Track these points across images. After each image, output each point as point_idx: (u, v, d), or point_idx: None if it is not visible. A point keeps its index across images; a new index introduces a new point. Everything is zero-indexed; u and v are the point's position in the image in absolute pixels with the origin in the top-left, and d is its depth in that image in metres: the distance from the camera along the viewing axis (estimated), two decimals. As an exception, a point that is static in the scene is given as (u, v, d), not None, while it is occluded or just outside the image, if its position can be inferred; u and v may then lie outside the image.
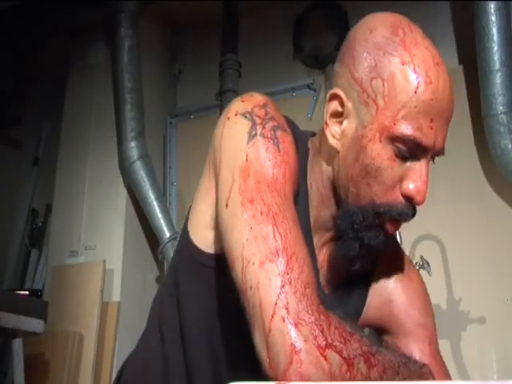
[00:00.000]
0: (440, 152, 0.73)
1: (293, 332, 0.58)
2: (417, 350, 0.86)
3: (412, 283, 0.91)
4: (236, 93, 3.09)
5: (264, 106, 0.76)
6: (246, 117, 0.74)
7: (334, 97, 0.76)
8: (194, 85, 3.42)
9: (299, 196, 0.78)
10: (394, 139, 0.70)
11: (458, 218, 2.46)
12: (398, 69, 0.70)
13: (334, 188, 0.80)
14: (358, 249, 0.75)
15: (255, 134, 0.72)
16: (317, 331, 0.58)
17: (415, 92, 0.69)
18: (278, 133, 0.73)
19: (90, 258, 2.85)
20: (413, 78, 0.69)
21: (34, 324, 2.15)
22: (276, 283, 0.60)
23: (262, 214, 0.65)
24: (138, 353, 0.92)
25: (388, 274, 0.90)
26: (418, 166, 0.71)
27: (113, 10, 2.99)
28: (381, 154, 0.71)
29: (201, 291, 0.81)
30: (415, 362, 0.69)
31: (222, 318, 0.80)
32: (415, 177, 0.71)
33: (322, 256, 0.85)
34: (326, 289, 0.85)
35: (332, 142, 0.76)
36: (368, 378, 0.59)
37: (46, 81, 3.62)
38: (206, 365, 0.81)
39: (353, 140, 0.73)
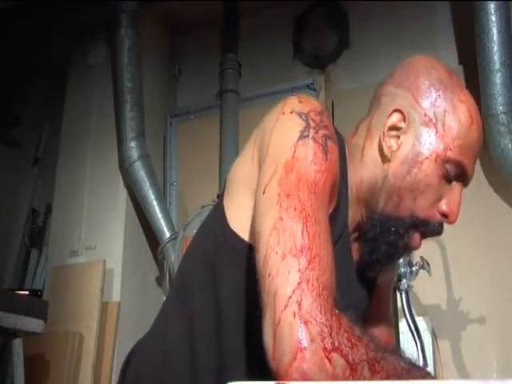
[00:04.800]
0: (468, 183, 0.85)
1: (301, 329, 0.58)
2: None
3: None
4: (236, 93, 3.09)
5: (320, 113, 0.78)
6: (301, 117, 0.76)
7: (397, 111, 0.82)
8: (194, 85, 3.42)
9: (341, 198, 0.81)
10: (448, 161, 0.79)
11: (458, 218, 2.46)
12: (457, 105, 0.81)
13: (371, 193, 0.83)
14: (384, 256, 0.82)
15: (307, 136, 0.74)
16: (326, 332, 0.58)
17: (469, 128, 0.80)
18: (329, 142, 0.75)
19: (90, 258, 2.85)
20: (468, 117, 0.81)
21: (34, 324, 2.15)
22: (294, 278, 0.61)
23: (295, 210, 0.67)
24: (154, 343, 0.88)
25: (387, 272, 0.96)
26: (455, 191, 0.82)
27: (113, 10, 2.99)
28: (434, 172, 0.79)
29: (244, 281, 0.79)
30: (419, 368, 0.70)
31: None
32: (452, 198, 0.82)
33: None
34: None
35: (387, 152, 0.82)
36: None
37: (46, 81, 3.62)
38: (241, 358, 0.79)
39: (408, 155, 0.80)
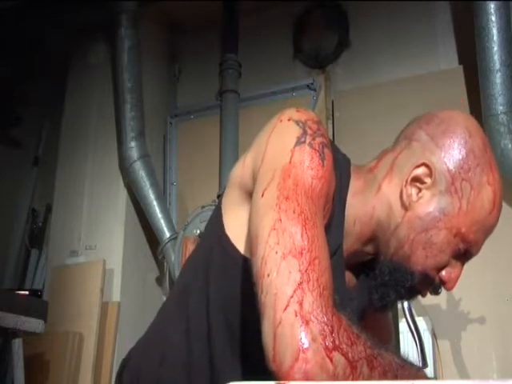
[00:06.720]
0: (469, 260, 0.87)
1: (303, 328, 0.58)
2: None
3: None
4: (236, 93, 3.10)
5: (317, 123, 0.79)
6: (298, 124, 0.77)
7: (425, 166, 0.81)
8: (194, 85, 3.42)
9: (333, 219, 0.81)
10: (463, 241, 0.82)
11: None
12: (484, 186, 0.82)
13: (381, 234, 0.84)
14: (392, 302, 0.85)
15: (304, 142, 0.74)
16: (327, 332, 0.58)
17: (489, 214, 0.82)
18: (326, 150, 0.75)
19: (90, 258, 2.85)
20: (491, 202, 0.82)
21: (34, 324, 2.15)
22: (295, 278, 0.61)
23: (294, 212, 0.67)
24: (152, 345, 0.89)
25: None
26: (459, 264, 0.85)
27: (113, 10, 2.99)
28: (449, 243, 0.82)
29: (230, 289, 0.80)
30: (412, 364, 0.71)
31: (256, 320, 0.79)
32: (454, 270, 0.85)
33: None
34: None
35: (406, 200, 0.82)
36: (369, 380, 0.60)
37: (46, 81, 3.62)
38: (228, 363, 0.80)
39: (428, 214, 0.81)
